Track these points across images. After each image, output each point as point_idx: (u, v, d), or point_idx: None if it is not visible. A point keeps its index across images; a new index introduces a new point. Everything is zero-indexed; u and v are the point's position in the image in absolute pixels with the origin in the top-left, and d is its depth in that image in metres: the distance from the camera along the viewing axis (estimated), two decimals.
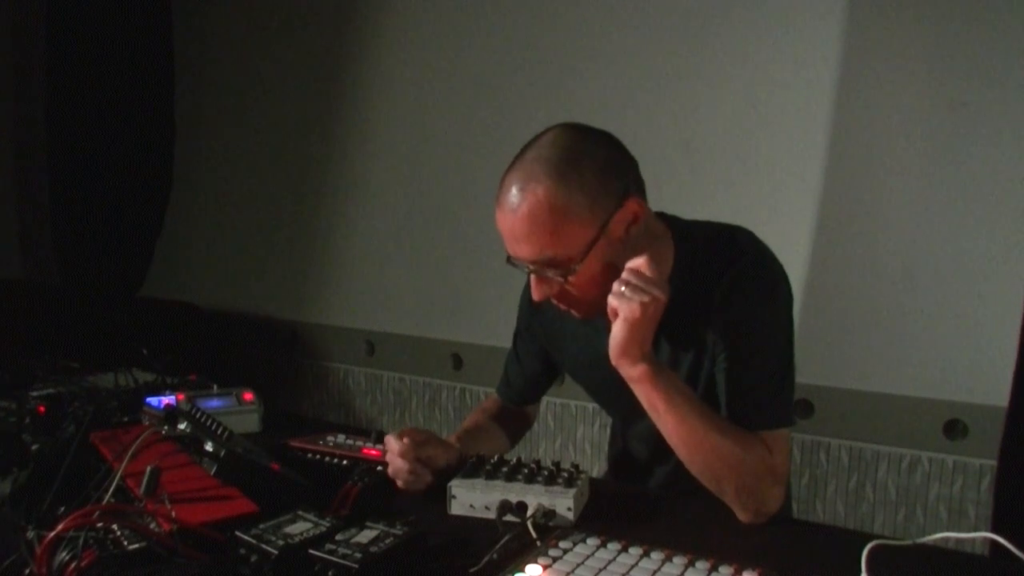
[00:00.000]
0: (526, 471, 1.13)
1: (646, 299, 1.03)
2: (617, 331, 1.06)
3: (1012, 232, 1.91)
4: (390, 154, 3.12)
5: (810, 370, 2.11)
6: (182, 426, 1.21)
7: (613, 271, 1.11)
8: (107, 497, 0.95)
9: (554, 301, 1.16)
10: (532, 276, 1.13)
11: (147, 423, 1.39)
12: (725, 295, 1.14)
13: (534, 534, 0.98)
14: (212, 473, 1.07)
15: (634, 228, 1.12)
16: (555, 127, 1.14)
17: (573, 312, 1.17)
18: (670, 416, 1.08)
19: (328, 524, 0.92)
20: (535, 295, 1.14)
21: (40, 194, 3.60)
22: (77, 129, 3.60)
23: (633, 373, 1.08)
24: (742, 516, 1.08)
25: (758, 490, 1.07)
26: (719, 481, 1.08)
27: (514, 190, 1.08)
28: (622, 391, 1.14)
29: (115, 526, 0.88)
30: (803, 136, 2.17)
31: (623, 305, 1.04)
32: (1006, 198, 1.92)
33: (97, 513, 0.87)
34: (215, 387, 1.64)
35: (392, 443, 1.18)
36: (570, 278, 1.10)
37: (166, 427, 1.22)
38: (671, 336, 1.21)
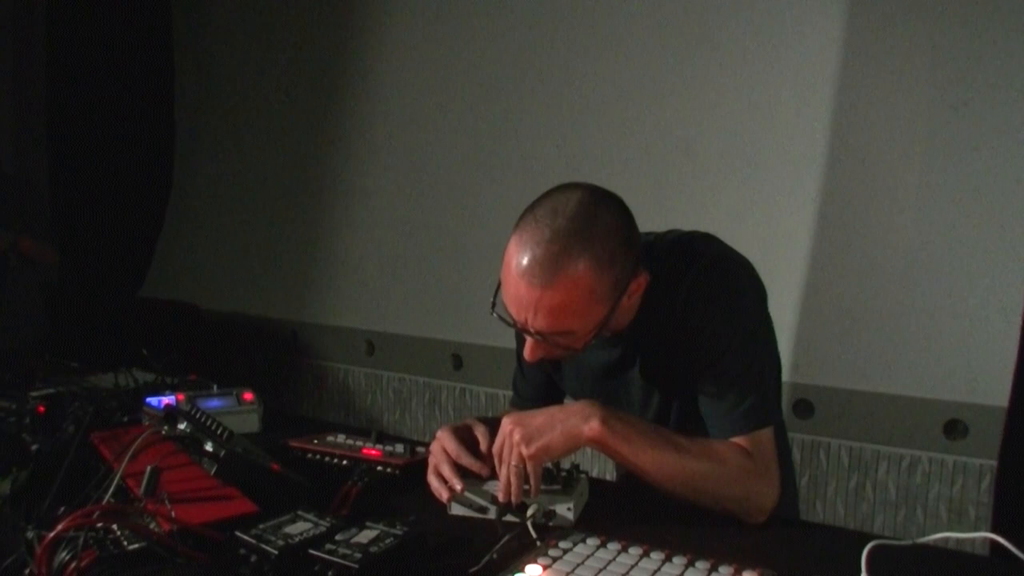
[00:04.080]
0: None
1: (529, 451, 1.04)
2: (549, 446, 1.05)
3: (1012, 232, 1.91)
4: (390, 155, 3.13)
5: (810, 370, 2.12)
6: (182, 426, 1.20)
7: (606, 330, 1.12)
8: (107, 497, 0.95)
9: (543, 356, 1.13)
10: (531, 339, 1.09)
11: (147, 423, 1.39)
12: (684, 307, 1.14)
13: (534, 534, 0.97)
14: (212, 473, 1.07)
15: (635, 296, 1.12)
16: (577, 191, 1.07)
17: (556, 357, 1.15)
18: (640, 460, 1.07)
19: (328, 524, 0.92)
20: (530, 356, 1.11)
21: (40, 194, 3.60)
22: (77, 130, 3.60)
23: (588, 437, 1.06)
24: (744, 519, 1.08)
25: (748, 495, 1.08)
26: (709, 499, 1.08)
27: (547, 263, 1.02)
28: (605, 400, 1.14)
29: (115, 526, 0.88)
30: (804, 137, 2.17)
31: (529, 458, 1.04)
32: (1006, 198, 1.92)
33: (97, 513, 0.86)
34: (215, 387, 1.63)
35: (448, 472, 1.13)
36: (573, 346, 1.09)
37: (166, 427, 1.22)
38: (645, 354, 1.21)
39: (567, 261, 1.02)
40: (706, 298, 1.13)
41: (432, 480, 1.14)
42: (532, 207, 1.08)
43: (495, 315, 1.11)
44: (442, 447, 1.15)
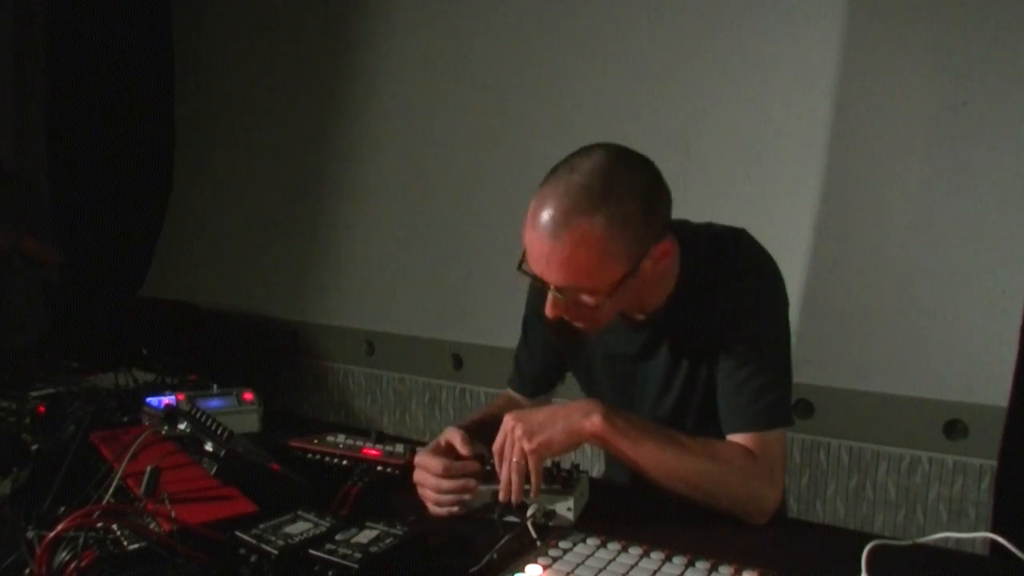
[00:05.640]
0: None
1: (531, 446, 1.04)
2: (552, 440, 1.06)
3: (1012, 232, 1.91)
4: (390, 155, 3.12)
5: (810, 370, 2.12)
6: (182, 426, 1.20)
7: (632, 299, 1.12)
8: (107, 497, 0.95)
9: (565, 317, 1.13)
10: (551, 295, 1.10)
11: (147, 423, 1.39)
12: (723, 300, 1.15)
13: (534, 534, 0.98)
14: (212, 473, 1.07)
15: (662, 264, 1.12)
16: (600, 149, 1.08)
17: (579, 325, 1.15)
18: (641, 457, 1.07)
19: (328, 524, 0.92)
20: (549, 311, 1.11)
21: (42, 194, 3.60)
22: (77, 131, 3.60)
23: (589, 432, 1.06)
24: (743, 519, 1.08)
25: (749, 495, 1.08)
26: (709, 499, 1.09)
27: (557, 216, 1.03)
28: (609, 386, 1.13)
29: (115, 526, 0.88)
30: (803, 138, 2.17)
31: (531, 454, 1.04)
32: (1006, 198, 1.92)
33: (97, 513, 0.86)
34: (215, 387, 1.63)
35: (435, 480, 1.10)
36: (592, 306, 1.09)
37: (166, 427, 1.22)
38: (672, 341, 1.22)
39: (576, 216, 1.02)
40: (746, 297, 1.14)
41: (435, 510, 1.11)
42: (557, 165, 1.09)
43: (521, 269, 1.12)
44: (425, 471, 1.12)
